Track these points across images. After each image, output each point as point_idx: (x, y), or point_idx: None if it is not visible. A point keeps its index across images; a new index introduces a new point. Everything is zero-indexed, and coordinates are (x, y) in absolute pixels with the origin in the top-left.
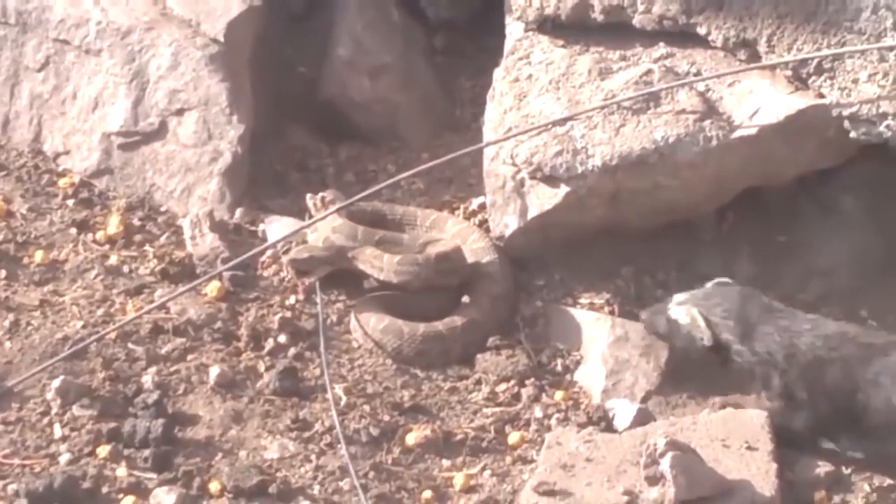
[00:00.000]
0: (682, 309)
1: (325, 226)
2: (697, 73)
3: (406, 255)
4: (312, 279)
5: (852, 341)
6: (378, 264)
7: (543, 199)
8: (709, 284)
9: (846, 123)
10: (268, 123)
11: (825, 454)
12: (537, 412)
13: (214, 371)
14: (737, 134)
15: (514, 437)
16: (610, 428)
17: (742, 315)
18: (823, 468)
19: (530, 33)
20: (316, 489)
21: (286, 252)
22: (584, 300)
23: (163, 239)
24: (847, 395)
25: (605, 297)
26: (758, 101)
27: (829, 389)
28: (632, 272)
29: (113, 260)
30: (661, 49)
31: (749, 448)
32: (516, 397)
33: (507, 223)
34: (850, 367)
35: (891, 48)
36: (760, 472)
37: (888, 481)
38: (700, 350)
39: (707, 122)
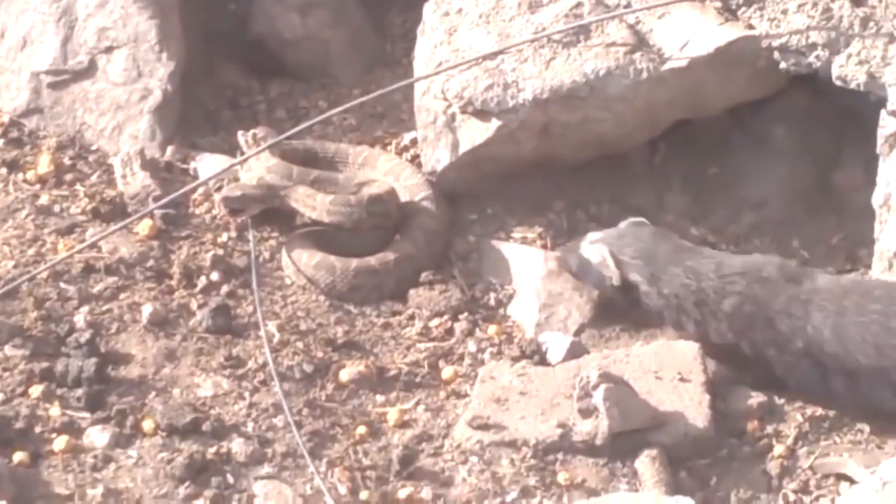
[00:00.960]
0: (595, 248)
1: (260, 165)
2: (627, 6)
3: (338, 196)
4: (245, 217)
5: (757, 276)
6: (311, 203)
7: (475, 133)
8: (623, 224)
9: (776, 54)
10: (198, 61)
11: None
12: (471, 346)
13: (147, 309)
14: (667, 66)
15: (447, 371)
16: (543, 361)
17: (651, 256)
18: (756, 399)
19: None
20: (250, 426)
21: (218, 190)
22: (516, 234)
23: (94, 178)
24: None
25: (537, 231)
26: (688, 32)
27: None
28: (564, 206)
29: (44, 199)
30: None
31: (682, 380)
32: (450, 332)
33: (438, 158)
34: (758, 302)
35: None
36: (693, 404)
37: (820, 411)
38: (609, 290)
39: (637, 55)
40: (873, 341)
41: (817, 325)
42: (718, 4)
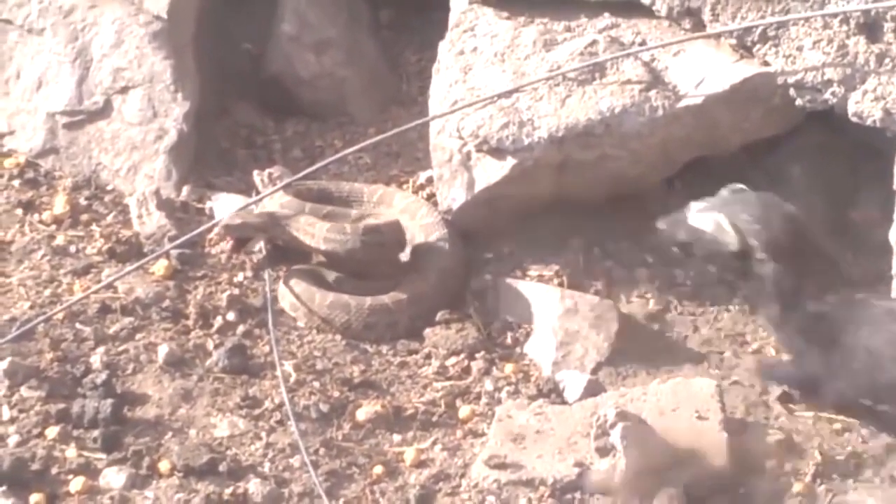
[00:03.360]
0: (707, 216)
1: (273, 203)
2: (642, 43)
3: (336, 224)
4: (249, 246)
5: None
6: (311, 231)
7: (490, 171)
8: (724, 191)
9: (791, 91)
10: (213, 100)
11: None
12: (488, 385)
13: (163, 350)
14: (682, 103)
15: (464, 410)
16: (560, 400)
17: (767, 220)
18: (774, 436)
19: (475, 5)
20: (266, 466)
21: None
22: (533, 272)
23: (109, 218)
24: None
25: (554, 269)
26: (703, 70)
27: None
28: (581, 244)
29: (60, 240)
30: (606, 19)
31: (699, 417)
32: (466, 371)
33: (454, 196)
34: None
35: (834, 15)
36: (711, 442)
37: (838, 448)
38: (724, 257)
39: (653, 92)
40: None
41: None
42: (734, 41)
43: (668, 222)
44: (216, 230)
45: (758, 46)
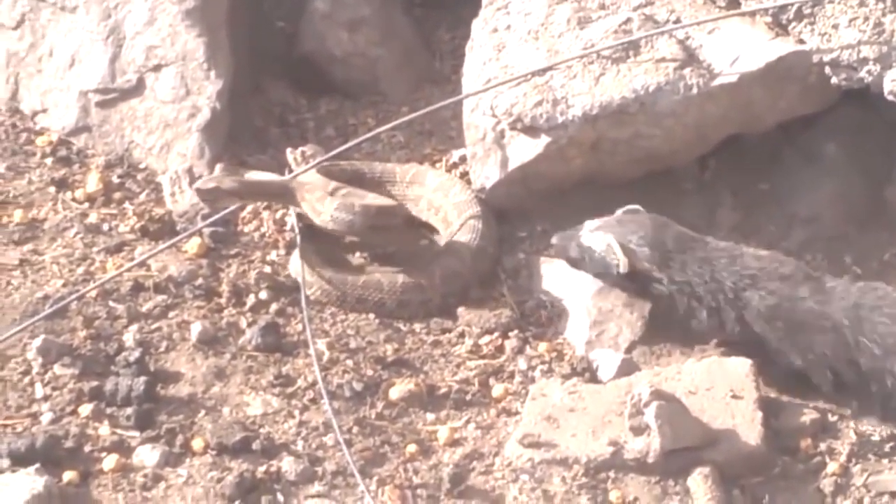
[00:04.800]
0: (597, 236)
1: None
2: (677, 21)
3: (345, 201)
4: (220, 209)
5: (776, 272)
6: (319, 208)
7: (524, 150)
8: (619, 212)
9: (827, 69)
10: (246, 79)
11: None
12: (521, 364)
13: (196, 328)
14: (717, 82)
15: (498, 389)
16: (594, 379)
17: (658, 242)
18: (809, 416)
19: None
20: (300, 445)
21: (267, 208)
22: None
23: (142, 196)
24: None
25: None
26: (738, 48)
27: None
28: None
29: (92, 218)
30: None
31: (734, 397)
32: (500, 349)
33: (488, 175)
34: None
35: None
36: (746, 421)
37: (873, 428)
38: (615, 277)
39: (687, 70)
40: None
41: (838, 319)
42: (769, 19)
43: (561, 238)
44: (249, 209)
45: (793, 24)
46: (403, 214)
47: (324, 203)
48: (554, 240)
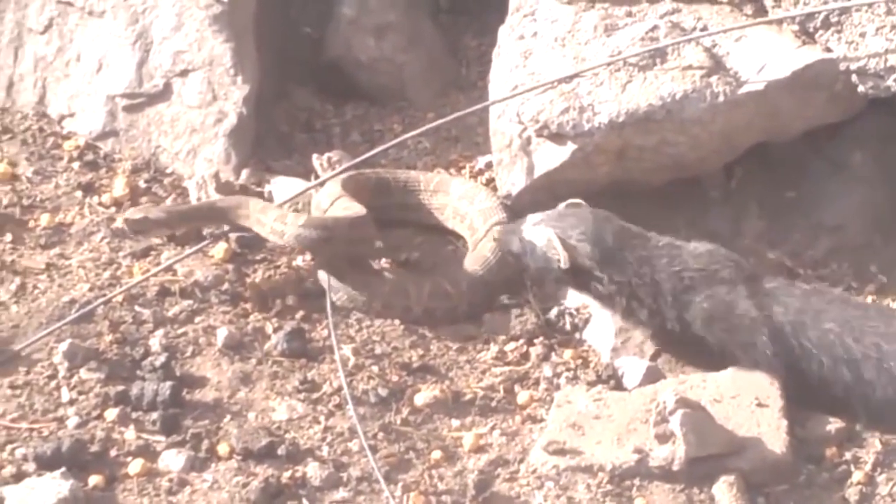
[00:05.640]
0: (538, 230)
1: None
2: (704, 29)
3: (312, 217)
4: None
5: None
6: (279, 228)
7: (550, 156)
8: (561, 205)
9: (854, 78)
10: (273, 84)
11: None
12: (546, 371)
13: (222, 333)
14: (744, 89)
15: (523, 396)
16: (619, 386)
17: (599, 238)
18: (834, 424)
19: None
20: (325, 450)
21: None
22: None
23: (169, 201)
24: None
25: None
26: (765, 56)
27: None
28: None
29: (119, 222)
30: (667, 4)
31: (759, 405)
32: (525, 356)
33: (514, 181)
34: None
35: None
36: (771, 429)
37: None
38: (555, 272)
39: (714, 78)
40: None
41: (779, 319)
42: (796, 27)
43: (504, 231)
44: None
45: (820, 32)
46: (345, 227)
47: (285, 221)
48: (496, 234)
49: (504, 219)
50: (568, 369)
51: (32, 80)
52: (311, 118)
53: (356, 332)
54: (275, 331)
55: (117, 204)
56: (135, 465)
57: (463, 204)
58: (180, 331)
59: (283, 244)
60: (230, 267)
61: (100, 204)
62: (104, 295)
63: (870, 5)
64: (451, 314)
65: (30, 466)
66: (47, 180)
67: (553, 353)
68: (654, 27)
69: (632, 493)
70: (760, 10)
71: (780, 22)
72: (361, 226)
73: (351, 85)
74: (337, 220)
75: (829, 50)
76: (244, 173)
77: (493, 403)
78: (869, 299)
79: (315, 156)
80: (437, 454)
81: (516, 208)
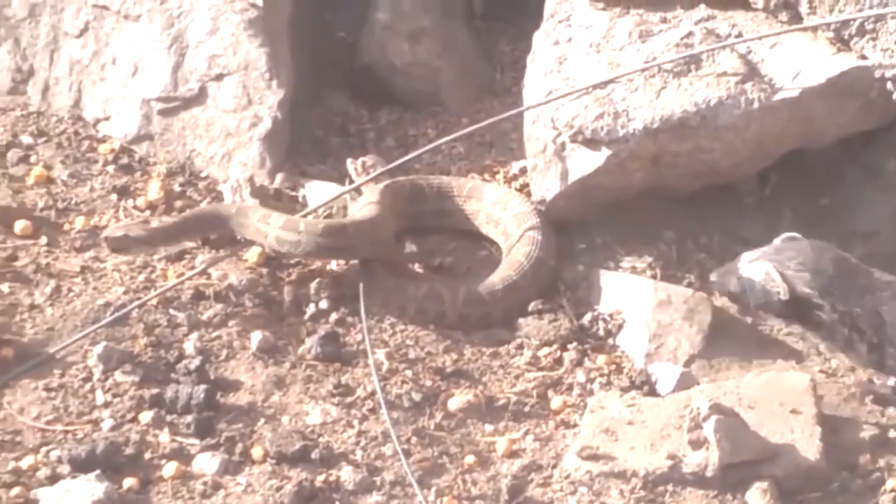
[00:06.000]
0: (756, 266)
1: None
2: (739, 35)
3: (290, 219)
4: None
5: None
6: (264, 230)
7: (584, 162)
8: (777, 240)
9: (889, 85)
10: (308, 89)
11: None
12: (580, 376)
13: (256, 336)
14: (779, 96)
15: (556, 401)
16: (653, 392)
17: (818, 268)
18: (868, 431)
19: None
20: (358, 454)
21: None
22: (626, 264)
23: (203, 204)
24: None
25: (647, 261)
26: (799, 63)
27: None
28: (674, 236)
29: (154, 225)
30: (702, 11)
31: (793, 412)
32: (559, 362)
33: (548, 187)
34: None
35: None
36: (804, 436)
37: None
38: (777, 306)
39: (749, 85)
40: None
41: None
42: (831, 34)
43: (719, 273)
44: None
45: (855, 40)
46: (367, 229)
47: (269, 219)
48: (713, 277)
49: (537, 224)
50: (601, 375)
51: (68, 84)
52: (346, 123)
53: (390, 336)
54: (309, 335)
55: (152, 207)
56: (169, 468)
57: (497, 210)
58: (214, 334)
59: (269, 247)
60: (264, 271)
61: (135, 207)
62: (139, 298)
63: None
64: (485, 320)
65: (64, 469)
66: (82, 183)
67: (587, 359)
68: (689, 33)
69: (665, 499)
70: (795, 17)
71: (815, 29)
72: (334, 234)
73: (385, 89)
74: (311, 227)
75: (864, 57)
76: (279, 177)
77: (527, 408)
78: None
79: (349, 160)
80: (470, 459)
81: (550, 213)
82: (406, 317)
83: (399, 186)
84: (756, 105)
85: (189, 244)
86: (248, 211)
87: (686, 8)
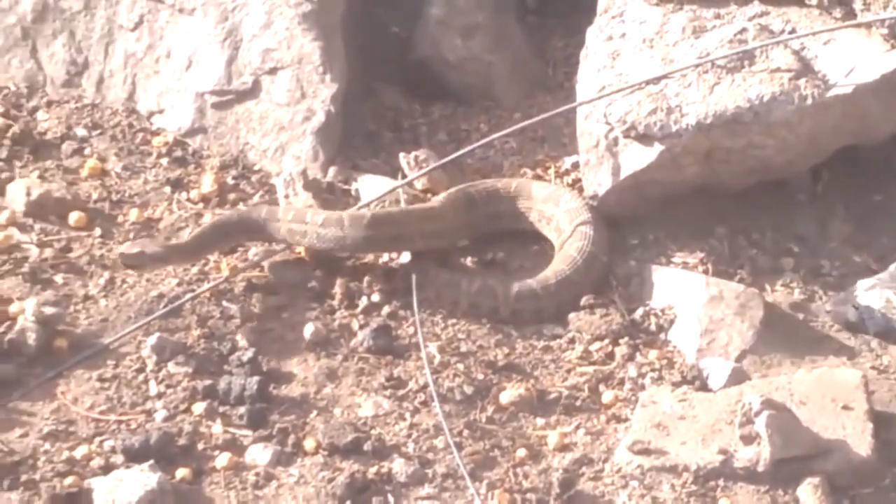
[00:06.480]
0: (874, 294)
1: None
2: (792, 31)
3: (330, 215)
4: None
5: None
6: (300, 229)
7: (637, 157)
8: (892, 267)
9: None
10: (360, 83)
11: None
12: (631, 371)
13: (308, 329)
14: (832, 92)
15: (608, 395)
16: (704, 387)
17: None
18: None
19: None
20: (410, 447)
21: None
22: (677, 259)
23: (256, 197)
24: None
25: (698, 257)
26: (853, 59)
27: None
28: (726, 232)
29: (207, 218)
30: (756, 7)
31: (845, 407)
32: (610, 356)
33: (600, 182)
34: None
35: None
36: (856, 432)
37: None
38: None
39: (802, 81)
40: None
41: None
42: (885, 31)
43: (835, 303)
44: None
45: None
46: (419, 220)
47: (305, 216)
48: (827, 307)
49: (589, 219)
50: (653, 370)
51: (122, 77)
52: (399, 117)
53: (442, 329)
54: (361, 327)
55: (205, 200)
56: (222, 459)
57: (548, 207)
58: (267, 326)
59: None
60: (316, 264)
61: (188, 200)
62: (192, 290)
63: None
64: (537, 315)
65: (118, 458)
66: (136, 176)
67: (638, 354)
68: (743, 29)
69: (716, 494)
70: (849, 14)
71: (868, 25)
72: (383, 224)
73: (438, 84)
74: (356, 219)
75: None
76: (331, 171)
77: (578, 403)
78: None
79: (402, 154)
80: (521, 452)
81: (602, 209)
82: (458, 311)
83: (454, 197)
84: (809, 101)
85: None
86: (276, 212)
87: (740, 4)
